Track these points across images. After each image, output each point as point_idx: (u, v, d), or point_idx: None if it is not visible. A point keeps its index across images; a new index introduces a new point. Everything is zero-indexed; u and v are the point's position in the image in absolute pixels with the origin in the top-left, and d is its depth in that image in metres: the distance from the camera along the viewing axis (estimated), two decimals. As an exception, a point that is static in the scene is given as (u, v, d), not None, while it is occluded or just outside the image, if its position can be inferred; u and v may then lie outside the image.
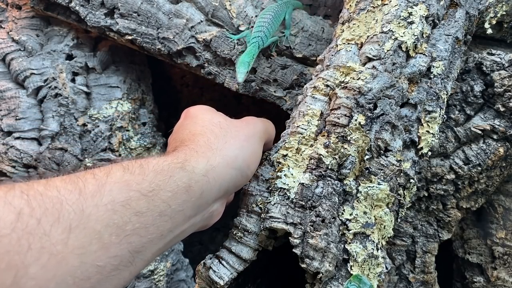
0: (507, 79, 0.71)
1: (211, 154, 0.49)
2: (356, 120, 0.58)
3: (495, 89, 0.71)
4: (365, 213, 0.55)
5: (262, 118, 0.63)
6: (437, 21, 0.66)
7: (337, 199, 0.55)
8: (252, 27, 0.83)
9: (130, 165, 0.41)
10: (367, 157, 0.57)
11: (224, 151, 0.50)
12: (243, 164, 0.52)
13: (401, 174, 0.58)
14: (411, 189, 0.61)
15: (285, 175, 0.57)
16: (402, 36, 0.62)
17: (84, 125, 0.87)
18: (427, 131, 0.63)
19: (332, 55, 0.67)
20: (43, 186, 0.34)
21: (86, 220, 0.34)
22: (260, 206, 0.56)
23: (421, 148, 0.62)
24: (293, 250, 0.52)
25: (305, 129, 0.60)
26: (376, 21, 0.65)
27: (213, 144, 0.50)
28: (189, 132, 0.53)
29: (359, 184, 0.57)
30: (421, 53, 0.63)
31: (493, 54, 0.73)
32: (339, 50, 0.66)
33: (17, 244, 0.30)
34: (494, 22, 0.76)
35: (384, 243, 0.57)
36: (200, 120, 0.55)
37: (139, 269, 0.40)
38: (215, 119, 0.55)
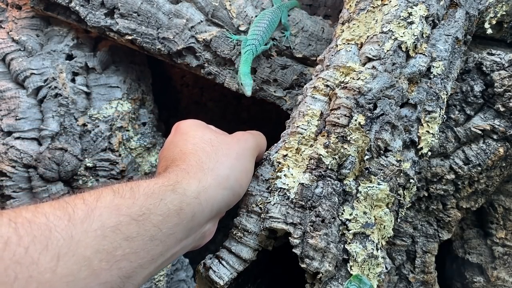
0: (507, 79, 0.71)
1: (202, 175, 0.48)
2: (356, 120, 0.58)
3: (495, 89, 0.71)
4: (365, 213, 0.55)
5: (253, 131, 0.62)
6: (437, 21, 0.66)
7: (337, 199, 0.55)
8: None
9: (121, 189, 0.40)
10: (367, 157, 0.57)
11: (216, 171, 0.50)
12: (235, 184, 0.52)
13: (401, 174, 0.58)
14: (411, 189, 0.61)
15: (285, 175, 0.56)
16: (402, 36, 0.62)
17: (84, 125, 0.87)
18: (427, 131, 0.63)
19: (332, 55, 0.67)
20: (31, 213, 0.34)
21: (75, 247, 0.34)
22: (260, 206, 0.56)
23: (421, 148, 0.62)
24: (293, 250, 0.52)
25: (305, 129, 0.60)
26: (376, 21, 0.65)
27: (205, 164, 0.50)
28: (180, 151, 0.52)
29: (359, 184, 0.57)
30: (421, 53, 0.63)
31: (493, 54, 0.73)
32: (339, 50, 0.66)
33: (4, 274, 0.29)
34: (494, 22, 0.76)
35: (384, 243, 0.57)
36: (191, 138, 0.54)
37: None
38: (206, 136, 0.54)
